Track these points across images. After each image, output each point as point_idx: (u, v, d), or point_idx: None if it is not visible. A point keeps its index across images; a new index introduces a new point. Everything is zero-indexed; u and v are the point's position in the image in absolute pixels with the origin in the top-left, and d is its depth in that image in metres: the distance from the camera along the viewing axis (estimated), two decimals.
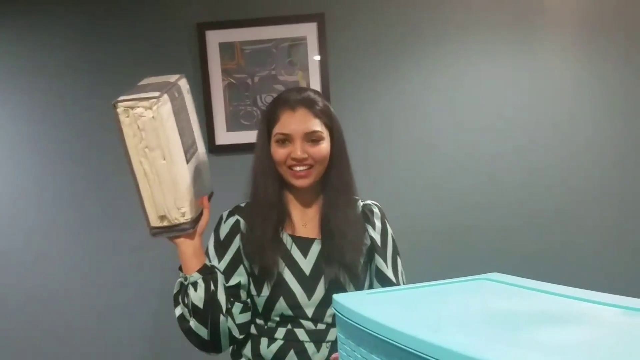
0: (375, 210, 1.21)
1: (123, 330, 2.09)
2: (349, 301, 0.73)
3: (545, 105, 2.02)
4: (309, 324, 1.08)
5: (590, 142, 2.01)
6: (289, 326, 1.08)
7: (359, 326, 0.68)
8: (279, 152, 1.09)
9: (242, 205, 1.18)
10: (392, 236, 1.21)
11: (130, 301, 2.09)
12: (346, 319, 0.72)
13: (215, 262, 1.10)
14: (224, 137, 2.04)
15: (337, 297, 0.76)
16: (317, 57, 2.00)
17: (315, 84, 2.01)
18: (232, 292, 1.08)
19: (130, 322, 2.08)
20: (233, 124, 2.03)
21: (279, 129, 1.09)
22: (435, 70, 2.03)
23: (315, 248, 1.12)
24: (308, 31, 2.00)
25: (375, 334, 0.65)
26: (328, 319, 1.09)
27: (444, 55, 2.02)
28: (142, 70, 2.04)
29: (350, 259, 1.09)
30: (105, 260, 2.09)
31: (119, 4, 2.05)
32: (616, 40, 1.99)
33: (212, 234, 1.15)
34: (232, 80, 2.03)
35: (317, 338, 1.08)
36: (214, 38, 2.01)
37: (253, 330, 1.12)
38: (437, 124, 2.04)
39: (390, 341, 0.62)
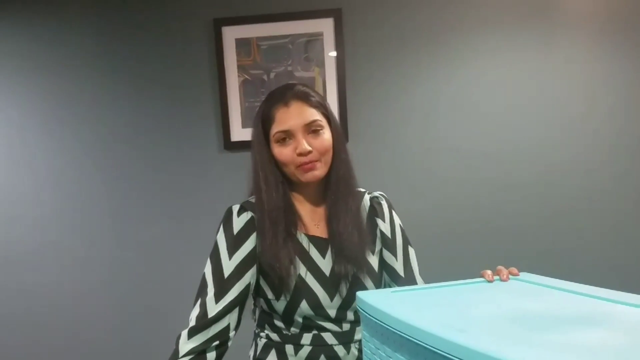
0: (383, 202, 1.17)
1: (141, 324, 2.11)
2: (374, 299, 0.72)
3: (559, 103, 1.99)
4: (333, 327, 1.06)
5: (604, 140, 1.98)
6: (315, 331, 1.05)
7: (384, 324, 0.68)
8: (283, 153, 1.04)
9: (253, 200, 1.10)
10: (400, 226, 1.17)
11: (149, 296, 2.11)
12: (371, 317, 0.72)
13: (224, 257, 1.04)
14: (239, 133, 2.04)
15: (362, 294, 0.75)
16: (334, 53, 1.99)
17: (331, 80, 2.00)
18: (240, 299, 1.02)
19: (149, 318, 2.11)
20: (248, 121, 2.03)
21: (276, 127, 1.04)
22: (452, 66, 2.01)
23: (331, 247, 1.09)
24: (325, 27, 1.99)
25: (400, 333, 0.65)
26: (350, 317, 1.07)
27: (461, 51, 2.00)
28: (159, 65, 2.07)
29: (355, 256, 1.05)
30: (131, 253, 2.12)
31: (136, 1, 2.06)
32: (631, 38, 1.95)
33: (222, 228, 1.07)
34: (248, 77, 2.03)
35: (345, 339, 1.06)
36: (231, 34, 2.01)
37: (276, 337, 1.08)
38: (453, 121, 2.02)
39: (415, 340, 0.62)
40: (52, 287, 2.13)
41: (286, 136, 1.04)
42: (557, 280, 0.79)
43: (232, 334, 1.03)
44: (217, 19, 2.01)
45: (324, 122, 1.07)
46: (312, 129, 1.04)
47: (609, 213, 1.99)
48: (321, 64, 2.00)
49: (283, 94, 1.07)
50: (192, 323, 0.99)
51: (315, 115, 1.05)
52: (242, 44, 2.02)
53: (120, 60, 2.08)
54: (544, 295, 0.74)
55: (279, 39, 2.01)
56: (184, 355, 0.96)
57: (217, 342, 0.99)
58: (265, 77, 2.02)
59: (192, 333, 0.98)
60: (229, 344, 1.03)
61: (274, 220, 1.05)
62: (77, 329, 2.13)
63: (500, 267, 0.90)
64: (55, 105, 2.10)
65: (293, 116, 1.04)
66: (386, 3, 2.00)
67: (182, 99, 2.07)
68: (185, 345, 0.97)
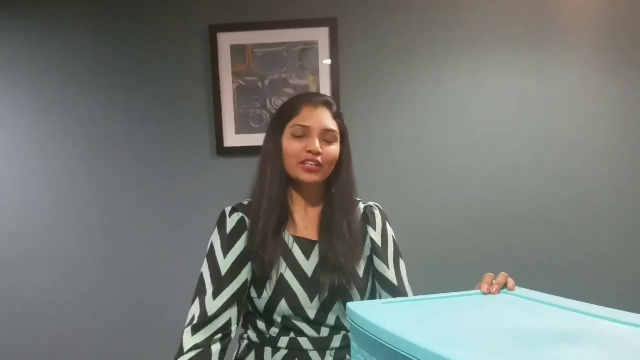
0: (376, 211, 1.21)
1: (141, 326, 2.09)
2: (364, 310, 0.72)
3: (557, 117, 2.00)
4: (311, 331, 1.08)
5: (604, 154, 1.99)
6: (292, 334, 1.08)
7: (373, 336, 0.68)
8: (293, 145, 1.09)
9: (245, 203, 1.16)
10: (393, 237, 1.20)
11: (140, 298, 2.09)
12: (360, 328, 0.71)
13: (219, 256, 1.08)
14: (232, 139, 2.04)
15: (352, 305, 0.75)
16: (328, 61, 2.00)
17: (325, 88, 2.01)
18: (238, 294, 1.07)
19: (140, 319, 2.09)
20: (242, 127, 2.03)
21: (298, 120, 1.09)
22: (446, 77, 2.02)
23: (317, 250, 1.12)
24: (320, 35, 2.00)
25: (389, 345, 0.65)
26: (330, 321, 1.09)
27: (456, 62, 2.01)
28: (154, 70, 2.06)
29: (347, 263, 1.08)
30: (122, 256, 2.10)
31: (131, 5, 2.06)
32: (630, 52, 1.98)
33: (216, 229, 1.13)
34: (242, 83, 2.03)
35: (321, 346, 1.08)
36: (226, 40, 2.01)
37: (255, 338, 1.11)
38: (446, 133, 2.03)
39: (404, 353, 0.61)
40: (42, 287, 2.10)
41: (303, 132, 1.09)
42: (549, 295, 0.80)
43: (234, 327, 1.07)
44: (213, 25, 2.01)
45: (338, 135, 1.13)
46: (326, 137, 1.11)
47: (609, 227, 1.99)
48: (315, 72, 2.01)
49: (314, 97, 1.14)
50: (194, 321, 1.03)
51: (334, 125, 1.12)
52: (237, 51, 2.02)
53: (115, 65, 2.07)
54: (535, 310, 0.74)
55: (274, 47, 2.01)
56: (189, 350, 1.00)
57: (219, 335, 1.04)
58: (259, 83, 2.02)
59: (195, 329, 1.02)
60: (232, 335, 1.07)
61: (270, 207, 1.09)
62: (68, 330, 2.10)
63: (489, 274, 0.91)
64: (48, 108, 2.09)
65: (317, 117, 1.10)
66: (381, 14, 2.02)
67: (176, 103, 2.07)
68: (190, 340, 1.01)
